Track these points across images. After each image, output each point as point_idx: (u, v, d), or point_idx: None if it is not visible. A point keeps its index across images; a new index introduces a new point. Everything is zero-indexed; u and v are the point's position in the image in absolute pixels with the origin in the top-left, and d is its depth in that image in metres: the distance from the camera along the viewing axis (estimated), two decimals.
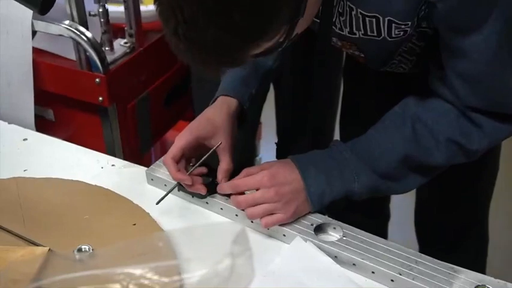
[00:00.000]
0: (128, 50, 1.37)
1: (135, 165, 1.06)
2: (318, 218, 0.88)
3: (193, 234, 0.77)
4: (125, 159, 1.10)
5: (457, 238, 1.26)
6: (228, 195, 0.91)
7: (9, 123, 1.18)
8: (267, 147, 2.06)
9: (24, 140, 1.13)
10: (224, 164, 0.92)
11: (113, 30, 1.35)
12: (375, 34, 0.83)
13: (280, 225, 0.87)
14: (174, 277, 0.65)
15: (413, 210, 1.34)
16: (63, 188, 0.98)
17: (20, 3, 0.83)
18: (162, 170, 0.99)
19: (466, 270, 0.79)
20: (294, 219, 0.87)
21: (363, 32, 0.85)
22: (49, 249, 0.81)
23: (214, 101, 0.98)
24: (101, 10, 1.28)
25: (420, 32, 0.88)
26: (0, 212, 0.91)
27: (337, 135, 1.51)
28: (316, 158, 0.90)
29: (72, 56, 1.30)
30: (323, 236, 0.87)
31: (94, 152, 1.10)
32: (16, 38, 1.27)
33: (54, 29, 1.24)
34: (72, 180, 1.00)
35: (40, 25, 1.25)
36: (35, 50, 1.30)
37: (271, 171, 0.87)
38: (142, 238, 0.76)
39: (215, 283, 0.66)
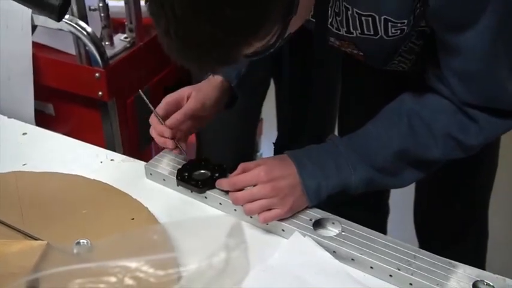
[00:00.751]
0: (128, 45, 1.37)
1: (134, 159, 1.05)
2: (316, 213, 0.88)
3: (189, 227, 0.77)
4: (124, 153, 1.10)
5: (457, 234, 1.26)
6: (227, 191, 0.91)
7: (8, 117, 1.18)
8: (268, 143, 2.06)
9: (23, 134, 1.13)
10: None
11: (113, 25, 1.35)
12: (372, 33, 0.83)
13: (279, 220, 0.87)
14: (169, 270, 0.65)
15: (412, 205, 1.34)
16: (62, 182, 0.98)
17: (36, 12, 0.82)
18: (161, 164, 0.99)
19: (465, 265, 0.79)
20: (291, 214, 0.87)
21: (359, 31, 0.84)
22: (47, 243, 0.81)
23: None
24: (101, 5, 1.28)
25: (419, 31, 0.88)
26: None
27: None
28: (312, 153, 0.90)
29: (72, 50, 1.31)
30: (322, 231, 0.87)
31: (93, 146, 1.10)
32: (16, 32, 1.27)
33: (54, 23, 1.23)
34: (71, 174, 1.00)
35: (40, 19, 1.25)
36: (35, 45, 1.30)
37: (268, 166, 0.87)
38: (139, 231, 0.76)
39: (210, 276, 0.65)
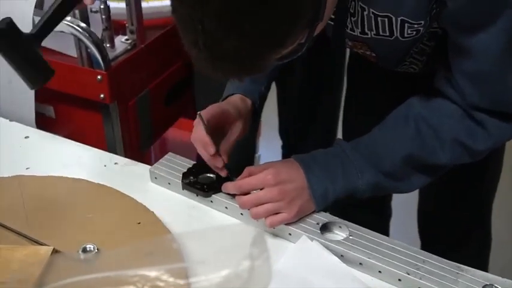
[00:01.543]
0: (129, 47, 1.36)
1: (138, 163, 1.05)
2: (323, 217, 0.88)
3: (203, 237, 0.76)
4: (125, 156, 1.09)
5: (460, 237, 1.26)
6: (233, 195, 0.91)
7: (10, 120, 1.17)
8: (266, 144, 2.05)
9: (25, 137, 1.12)
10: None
11: (114, 26, 1.34)
12: (387, 34, 0.83)
13: (286, 224, 0.86)
14: (188, 279, 0.64)
15: (414, 208, 1.34)
16: (66, 186, 0.97)
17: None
18: (166, 168, 0.99)
19: (474, 269, 0.79)
20: (298, 218, 0.87)
21: (374, 32, 0.84)
22: (53, 248, 0.80)
23: (224, 100, 0.98)
24: (102, 7, 1.27)
25: (431, 32, 0.88)
26: (3, 211, 0.90)
27: (339, 135, 1.51)
28: (319, 157, 0.90)
29: (73, 52, 1.29)
30: (329, 235, 0.87)
31: (96, 150, 1.09)
32: None
33: None
34: (74, 178, 0.99)
35: None
36: None
37: (275, 169, 0.87)
38: (150, 240, 0.76)
39: (234, 285, 0.65)
